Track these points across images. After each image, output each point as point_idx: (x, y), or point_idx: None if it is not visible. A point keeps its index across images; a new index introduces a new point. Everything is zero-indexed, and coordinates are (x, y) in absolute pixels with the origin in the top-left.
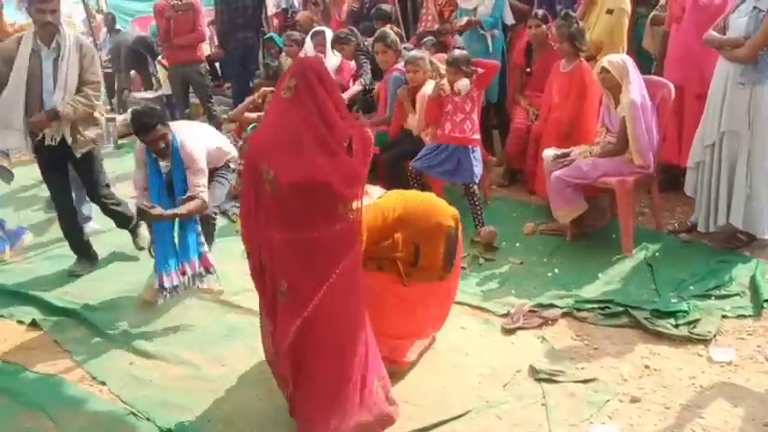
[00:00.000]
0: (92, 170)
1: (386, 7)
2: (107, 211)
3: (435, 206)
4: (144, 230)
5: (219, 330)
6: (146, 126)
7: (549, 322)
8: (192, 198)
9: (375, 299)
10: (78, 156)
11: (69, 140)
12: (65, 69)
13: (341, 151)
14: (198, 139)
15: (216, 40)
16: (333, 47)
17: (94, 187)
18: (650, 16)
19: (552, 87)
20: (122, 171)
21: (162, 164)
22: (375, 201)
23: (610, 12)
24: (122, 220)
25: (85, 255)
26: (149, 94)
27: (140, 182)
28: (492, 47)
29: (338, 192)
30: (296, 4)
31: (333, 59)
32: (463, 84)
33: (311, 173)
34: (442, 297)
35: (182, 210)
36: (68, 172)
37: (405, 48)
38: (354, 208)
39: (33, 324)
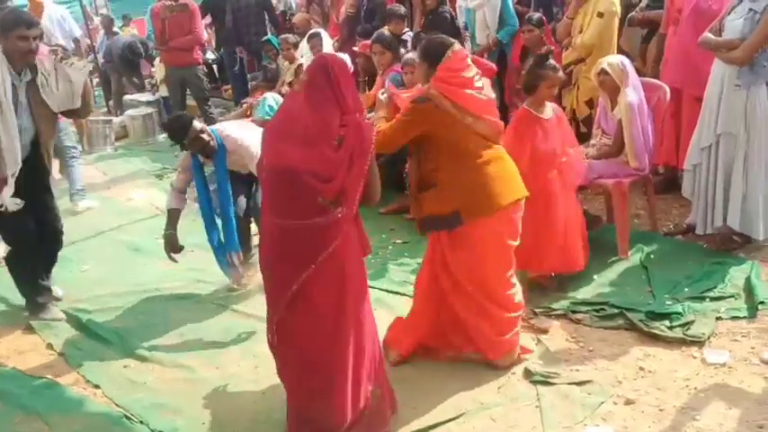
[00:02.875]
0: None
1: (397, 7)
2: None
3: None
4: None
5: (214, 333)
6: (182, 127)
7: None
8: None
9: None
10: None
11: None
12: (46, 96)
13: (323, 145)
14: (240, 127)
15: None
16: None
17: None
18: (627, 18)
19: (537, 141)
20: (116, 174)
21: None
22: None
23: (600, 15)
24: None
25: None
26: (146, 97)
27: (179, 183)
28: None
29: (309, 182)
30: (293, 6)
31: None
32: None
33: (283, 160)
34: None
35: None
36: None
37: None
38: (341, 205)
39: (27, 327)
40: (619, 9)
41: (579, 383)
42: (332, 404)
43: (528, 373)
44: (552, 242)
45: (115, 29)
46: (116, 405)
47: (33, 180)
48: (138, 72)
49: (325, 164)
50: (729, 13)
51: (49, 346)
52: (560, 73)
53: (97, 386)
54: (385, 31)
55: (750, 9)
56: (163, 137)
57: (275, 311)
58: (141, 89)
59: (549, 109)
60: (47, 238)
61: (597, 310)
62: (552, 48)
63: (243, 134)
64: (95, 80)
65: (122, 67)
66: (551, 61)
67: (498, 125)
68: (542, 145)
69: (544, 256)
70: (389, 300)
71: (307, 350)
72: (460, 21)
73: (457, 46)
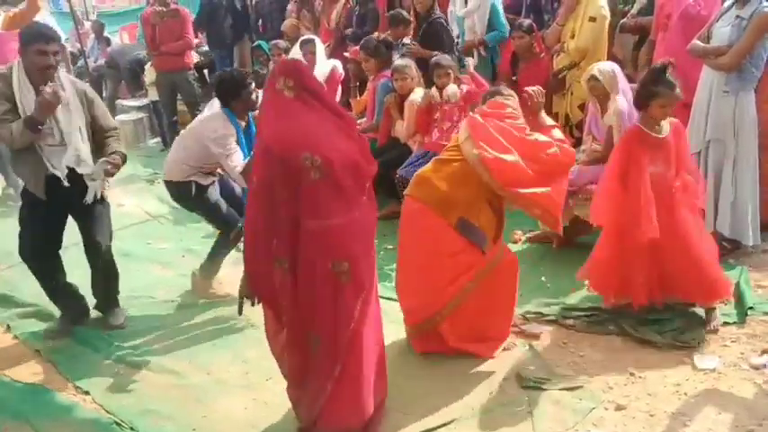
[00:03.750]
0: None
1: (405, 14)
2: (100, 271)
3: None
4: (121, 311)
5: (206, 338)
6: (242, 77)
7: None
8: None
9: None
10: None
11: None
12: (71, 120)
13: (357, 136)
14: None
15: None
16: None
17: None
18: (619, 24)
19: (647, 160)
20: None
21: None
22: None
23: (593, 19)
24: (110, 290)
25: (71, 310)
26: (136, 102)
27: (239, 158)
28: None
29: (367, 170)
30: (289, 11)
31: (324, 67)
32: (452, 91)
33: (353, 156)
34: None
35: None
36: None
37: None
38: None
39: (14, 334)
40: (608, 13)
41: (570, 389)
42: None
43: (519, 379)
44: (641, 271)
45: (106, 33)
46: (106, 411)
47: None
48: (138, 82)
49: (368, 151)
50: (717, 21)
51: (38, 353)
52: (677, 91)
53: (87, 392)
54: (374, 37)
55: (737, 16)
56: (154, 142)
57: (350, 318)
58: (142, 95)
59: (666, 126)
60: (89, 250)
61: (588, 316)
62: (672, 60)
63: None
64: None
65: (126, 77)
66: (670, 76)
67: (488, 163)
68: (653, 167)
69: (633, 285)
70: (381, 305)
71: (370, 349)
72: (452, 26)
73: (503, 94)
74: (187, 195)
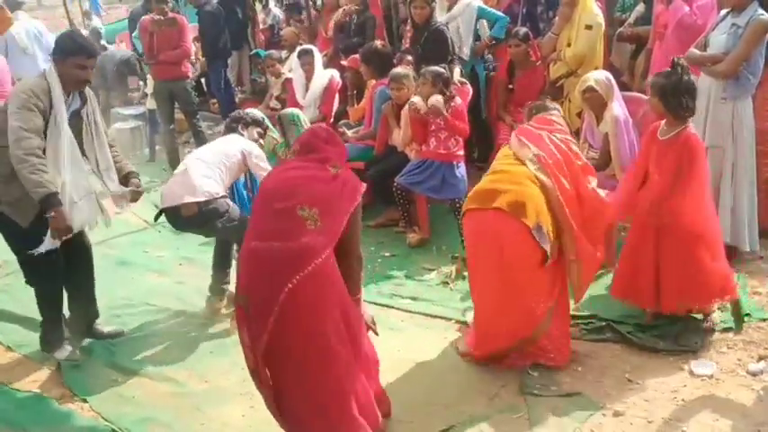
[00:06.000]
0: None
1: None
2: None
3: None
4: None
5: (203, 346)
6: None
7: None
8: None
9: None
10: None
11: None
12: (93, 127)
13: (325, 172)
14: None
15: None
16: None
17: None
18: (616, 33)
19: (649, 156)
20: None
21: None
22: None
23: (589, 27)
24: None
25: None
26: (134, 110)
27: None
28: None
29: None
30: (282, 20)
31: (322, 77)
32: (436, 100)
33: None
34: None
35: None
36: None
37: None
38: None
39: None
40: (603, 20)
41: (568, 396)
42: (342, 420)
43: (518, 386)
44: (642, 276)
45: (103, 42)
46: (104, 419)
47: None
48: (125, 86)
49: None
50: (714, 29)
51: (35, 361)
52: (650, 96)
53: (84, 400)
54: (374, 44)
55: (733, 24)
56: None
57: (260, 333)
58: (128, 103)
59: (671, 130)
60: (82, 254)
61: (585, 323)
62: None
63: None
64: None
65: (114, 82)
66: (659, 80)
67: (544, 162)
68: (651, 167)
69: (636, 289)
70: (378, 312)
71: (304, 367)
72: None
73: (549, 108)
74: (222, 212)
